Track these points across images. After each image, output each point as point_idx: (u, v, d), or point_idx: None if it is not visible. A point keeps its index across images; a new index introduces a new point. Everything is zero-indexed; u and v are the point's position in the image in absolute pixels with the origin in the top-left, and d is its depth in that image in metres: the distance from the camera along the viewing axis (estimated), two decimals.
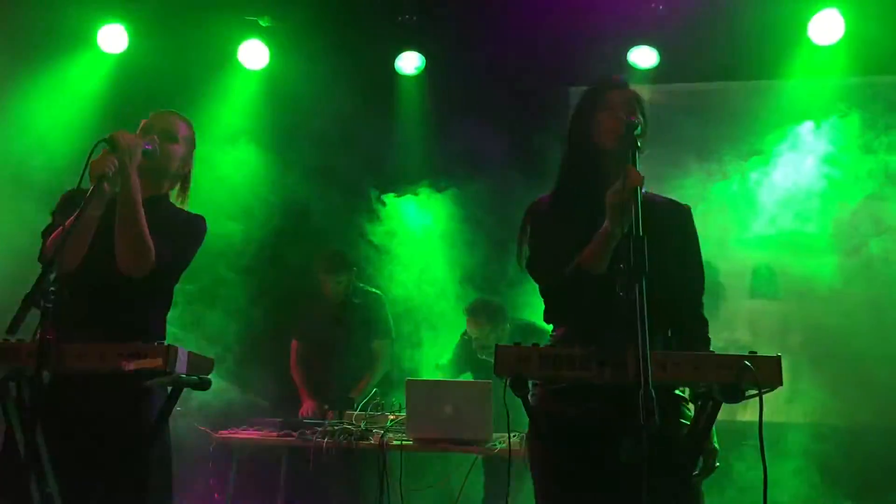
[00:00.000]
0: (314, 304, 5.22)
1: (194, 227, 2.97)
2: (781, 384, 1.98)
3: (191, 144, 3.02)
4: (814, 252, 5.11)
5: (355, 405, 4.57)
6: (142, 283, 2.77)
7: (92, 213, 2.73)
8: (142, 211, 2.73)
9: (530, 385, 2.12)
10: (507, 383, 2.08)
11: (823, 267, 5.06)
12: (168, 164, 2.90)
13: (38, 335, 2.30)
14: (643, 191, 2.47)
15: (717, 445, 2.42)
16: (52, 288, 2.33)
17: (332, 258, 5.15)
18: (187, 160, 3.01)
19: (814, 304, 5.12)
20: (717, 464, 2.40)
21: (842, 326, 4.95)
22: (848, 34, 5.10)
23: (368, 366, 5.03)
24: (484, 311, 4.84)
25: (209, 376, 2.64)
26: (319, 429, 4.25)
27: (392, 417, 4.38)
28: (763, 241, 5.27)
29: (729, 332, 5.25)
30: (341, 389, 4.91)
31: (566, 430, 2.31)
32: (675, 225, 2.53)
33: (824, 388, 4.93)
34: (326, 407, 4.80)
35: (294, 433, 4.27)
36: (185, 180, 3.07)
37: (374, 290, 5.26)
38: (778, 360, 1.98)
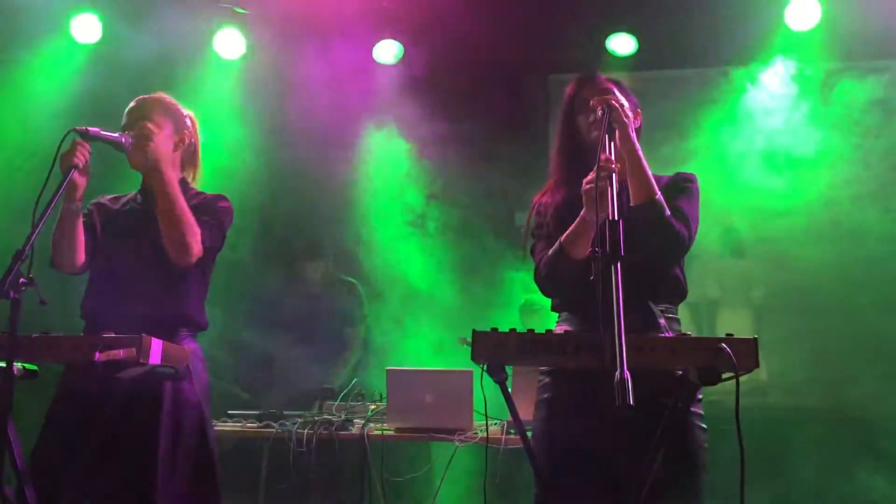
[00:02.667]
0: (292, 292, 5.24)
1: (220, 207, 2.96)
2: (758, 366, 1.98)
3: (179, 122, 2.97)
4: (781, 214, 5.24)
5: (336, 396, 4.55)
6: (180, 272, 2.79)
7: (70, 205, 2.74)
8: (181, 200, 2.75)
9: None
10: (485, 369, 2.08)
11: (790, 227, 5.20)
12: (157, 150, 2.82)
13: (9, 326, 2.28)
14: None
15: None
16: (22, 279, 2.31)
17: (310, 246, 5.21)
18: (181, 138, 2.96)
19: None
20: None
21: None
22: (824, 19, 5.11)
23: (340, 354, 5.07)
24: (531, 310, 4.93)
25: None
26: (300, 419, 4.23)
27: (373, 407, 4.37)
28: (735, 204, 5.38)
29: (700, 289, 5.42)
30: (317, 376, 4.92)
31: (565, 409, 2.39)
32: (671, 187, 2.54)
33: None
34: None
35: (274, 424, 4.24)
36: (193, 157, 3.07)
37: (349, 278, 5.32)
38: (754, 342, 1.98)
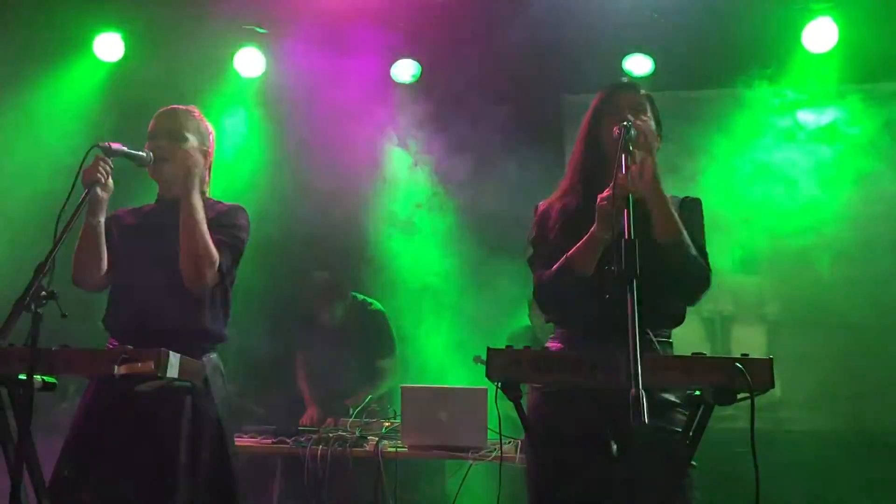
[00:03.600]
0: (316, 319, 5.16)
1: (237, 218, 2.97)
2: (773, 386, 1.97)
3: (202, 135, 3.01)
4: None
5: (351, 412, 4.55)
6: (209, 289, 2.80)
7: (91, 220, 2.77)
8: (202, 227, 2.75)
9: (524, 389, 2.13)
10: (499, 387, 2.08)
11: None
12: (182, 163, 2.88)
13: (30, 340, 2.30)
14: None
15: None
16: (43, 293, 2.34)
17: (326, 288, 5.06)
18: (204, 152, 2.99)
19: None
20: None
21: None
22: (841, 42, 5.12)
23: (370, 382, 4.99)
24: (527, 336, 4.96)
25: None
26: (314, 436, 4.24)
27: (387, 424, 4.37)
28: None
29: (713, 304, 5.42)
30: (339, 406, 4.90)
31: (558, 434, 2.31)
32: (685, 218, 2.49)
33: None
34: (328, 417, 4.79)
35: (288, 440, 4.25)
36: (208, 170, 3.07)
37: (375, 304, 5.18)
38: (769, 362, 1.98)
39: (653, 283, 1.97)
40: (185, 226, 2.75)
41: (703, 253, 2.48)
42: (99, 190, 2.70)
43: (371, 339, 5.08)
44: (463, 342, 5.19)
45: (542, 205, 2.65)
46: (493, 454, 3.95)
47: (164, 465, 2.68)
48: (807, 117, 5.41)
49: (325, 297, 5.05)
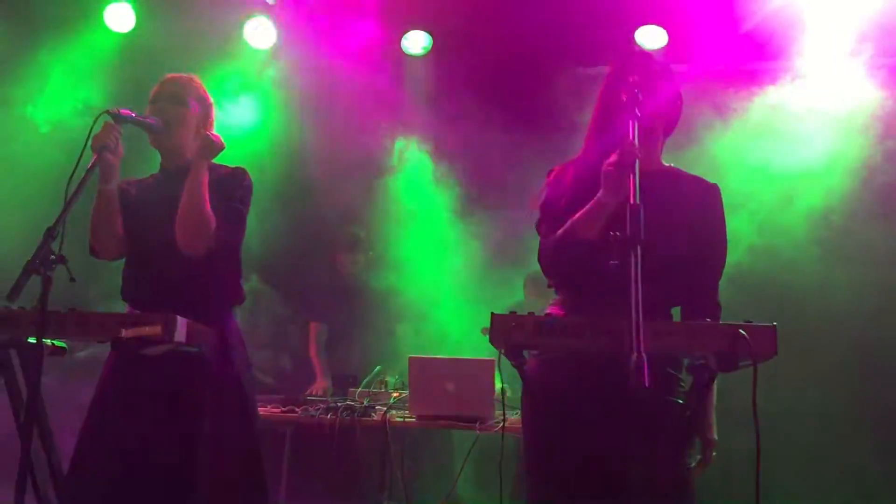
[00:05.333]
0: (330, 286, 5.25)
1: (240, 181, 2.98)
2: (776, 354, 1.97)
3: (205, 103, 3.02)
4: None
5: (359, 382, 4.58)
6: (206, 253, 2.82)
7: (104, 186, 2.79)
8: (203, 193, 2.77)
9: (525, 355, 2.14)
10: (502, 353, 2.09)
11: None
12: (184, 131, 2.91)
13: (39, 303, 2.33)
14: (667, 165, 2.50)
15: (716, 437, 2.43)
16: (53, 256, 2.36)
17: (348, 237, 5.20)
18: (206, 120, 3.01)
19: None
20: (714, 453, 2.42)
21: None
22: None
23: (383, 348, 5.06)
24: (543, 280, 4.93)
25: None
26: (323, 405, 4.27)
27: (395, 394, 4.40)
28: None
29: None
30: (353, 372, 4.95)
31: (559, 399, 2.31)
32: (697, 202, 2.48)
33: None
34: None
35: (298, 409, 4.29)
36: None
37: (391, 276, 5.28)
38: (773, 329, 1.98)
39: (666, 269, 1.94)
40: (188, 191, 2.78)
41: (720, 252, 2.46)
42: (109, 155, 2.72)
43: (384, 304, 5.15)
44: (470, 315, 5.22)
45: (555, 170, 2.63)
46: (500, 425, 3.97)
47: (186, 435, 2.71)
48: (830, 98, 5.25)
49: (349, 245, 5.20)
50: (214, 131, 3.01)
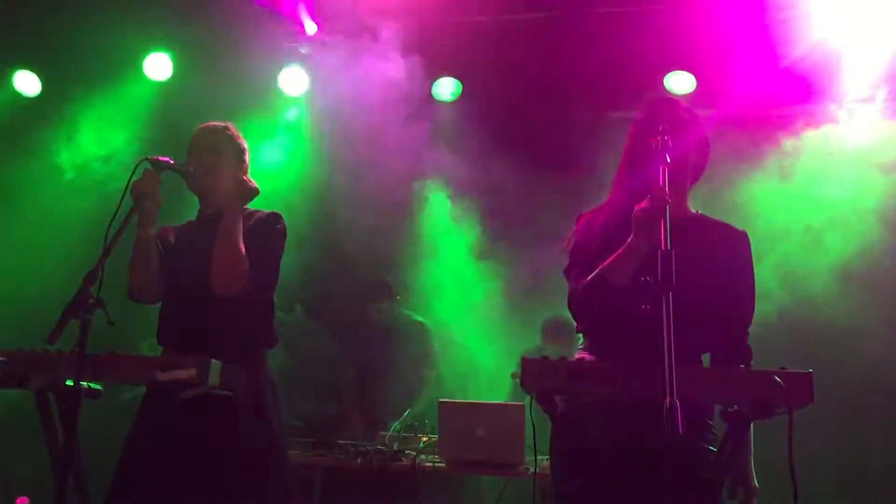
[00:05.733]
0: (360, 331, 5.29)
1: (273, 225, 3.02)
2: (813, 401, 1.95)
3: (239, 150, 3.09)
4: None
5: (389, 426, 4.58)
6: (239, 297, 2.86)
7: (142, 232, 2.85)
8: (237, 235, 2.82)
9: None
10: (534, 397, 2.08)
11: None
12: (219, 178, 2.98)
13: (77, 346, 2.37)
14: (695, 212, 2.51)
15: (756, 484, 2.40)
16: (91, 300, 2.41)
17: (375, 286, 5.25)
18: (242, 166, 3.07)
19: None
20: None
21: None
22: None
23: (415, 391, 5.07)
24: (564, 326, 4.94)
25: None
26: (353, 449, 4.26)
27: (425, 439, 4.38)
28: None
29: None
30: (384, 415, 4.95)
31: (590, 445, 2.30)
32: (725, 249, 2.48)
33: None
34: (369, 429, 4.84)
35: (327, 453, 4.28)
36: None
37: (419, 318, 5.34)
38: (809, 376, 1.96)
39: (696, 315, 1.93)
40: (222, 232, 2.83)
41: (749, 299, 2.47)
42: (147, 202, 2.78)
43: (414, 348, 5.21)
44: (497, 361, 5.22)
45: (584, 215, 2.64)
46: (531, 471, 3.93)
47: (218, 477, 2.73)
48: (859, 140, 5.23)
49: (372, 293, 5.24)
50: (249, 177, 3.07)
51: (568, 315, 5.00)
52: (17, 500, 2.67)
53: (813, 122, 5.29)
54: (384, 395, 5.04)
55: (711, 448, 2.33)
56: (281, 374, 4.16)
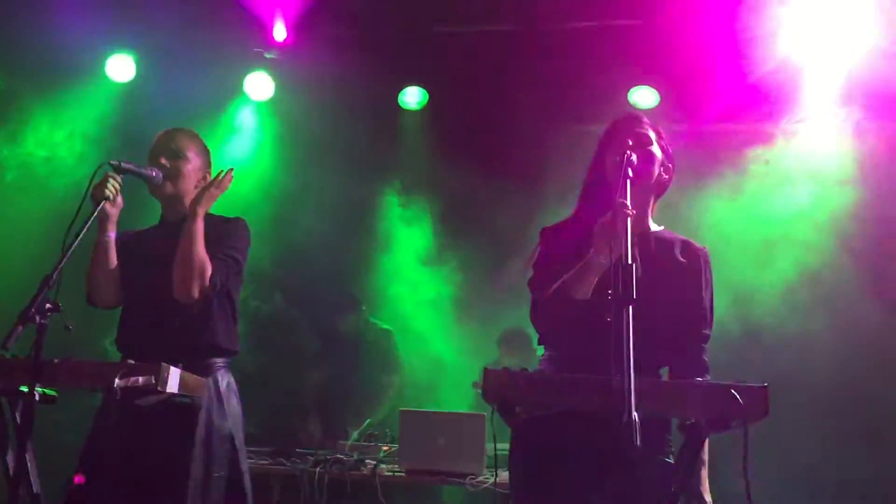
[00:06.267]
0: (328, 332, 5.31)
1: (236, 230, 3.00)
2: (768, 415, 1.98)
3: (203, 156, 3.06)
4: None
5: (349, 435, 4.56)
6: (207, 300, 2.83)
7: (102, 237, 2.82)
8: (200, 239, 2.79)
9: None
10: (494, 408, 2.09)
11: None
12: (183, 183, 2.96)
13: (33, 351, 2.33)
14: (658, 227, 2.54)
15: (709, 500, 2.42)
16: (48, 305, 2.37)
17: (340, 300, 5.27)
18: (205, 172, 3.05)
19: None
20: None
21: None
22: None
23: (376, 398, 5.08)
24: (518, 337, 4.96)
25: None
26: (311, 457, 4.24)
27: (385, 448, 4.37)
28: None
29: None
30: (343, 423, 4.94)
31: (549, 456, 2.32)
32: (686, 264, 2.51)
33: None
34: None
35: (286, 462, 4.25)
36: None
37: (384, 326, 5.36)
38: (765, 389, 1.99)
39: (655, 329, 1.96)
40: (185, 236, 2.80)
41: (707, 313, 2.51)
42: (108, 206, 2.75)
43: (379, 355, 5.24)
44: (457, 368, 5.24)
45: (547, 230, 2.66)
46: (490, 481, 3.94)
47: (175, 483, 2.69)
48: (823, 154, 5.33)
49: (339, 306, 5.29)
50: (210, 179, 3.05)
51: (524, 326, 5.10)
52: (75, 478, 2.61)
53: (771, 137, 5.39)
54: (347, 403, 5.03)
55: (668, 460, 2.36)
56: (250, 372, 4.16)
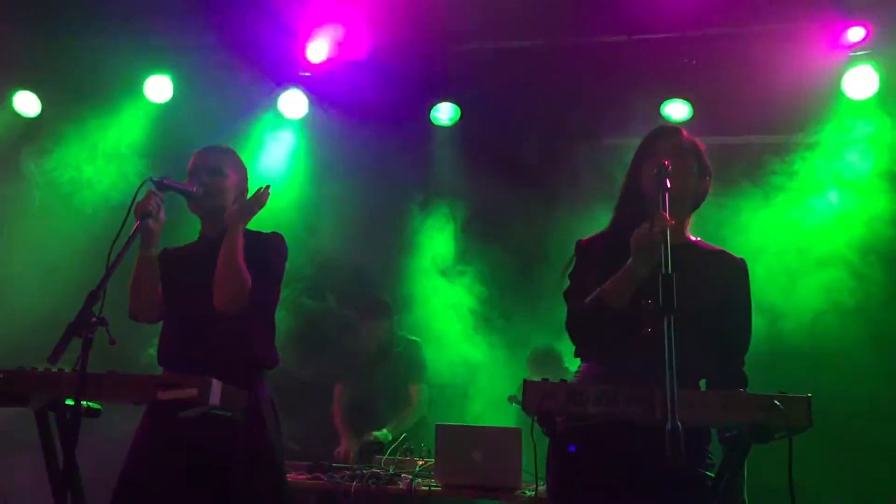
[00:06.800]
0: (357, 351, 5.33)
1: (273, 245, 3.05)
2: (811, 425, 1.96)
3: (241, 172, 3.12)
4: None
5: (385, 450, 4.56)
6: (246, 315, 2.87)
7: (145, 252, 2.87)
8: (240, 258, 2.84)
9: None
10: (535, 419, 2.09)
11: None
12: (223, 199, 3.01)
13: (79, 365, 2.37)
14: (694, 238, 2.55)
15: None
16: (94, 319, 2.41)
17: (373, 305, 5.30)
18: (242, 188, 3.10)
19: None
20: None
21: None
22: (883, 87, 5.11)
23: (403, 407, 5.09)
24: (550, 357, 4.95)
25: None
26: (348, 472, 4.25)
27: (421, 462, 4.37)
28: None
29: None
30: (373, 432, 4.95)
31: (588, 468, 2.31)
32: (723, 276, 2.52)
33: None
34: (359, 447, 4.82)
35: (323, 476, 4.27)
36: None
37: (413, 337, 5.38)
38: (808, 400, 1.97)
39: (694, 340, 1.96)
40: (225, 250, 2.84)
41: (746, 325, 2.51)
42: (151, 222, 2.80)
43: (405, 364, 5.23)
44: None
45: (583, 241, 2.67)
46: (527, 495, 3.93)
47: (217, 496, 2.72)
48: (850, 166, 5.30)
49: (371, 313, 5.26)
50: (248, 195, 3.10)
51: (552, 345, 5.08)
52: None
53: (802, 148, 5.36)
54: (378, 417, 5.03)
55: (708, 473, 2.34)
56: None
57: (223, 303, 2.82)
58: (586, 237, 2.68)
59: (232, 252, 2.84)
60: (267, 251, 3.02)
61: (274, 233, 3.11)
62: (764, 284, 4.73)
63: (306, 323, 5.60)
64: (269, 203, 3.07)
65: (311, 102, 5.78)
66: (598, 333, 2.42)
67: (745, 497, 2.42)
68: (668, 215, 2.17)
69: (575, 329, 2.51)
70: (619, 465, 2.25)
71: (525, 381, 2.10)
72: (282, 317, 3.19)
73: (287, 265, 3.10)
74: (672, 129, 2.64)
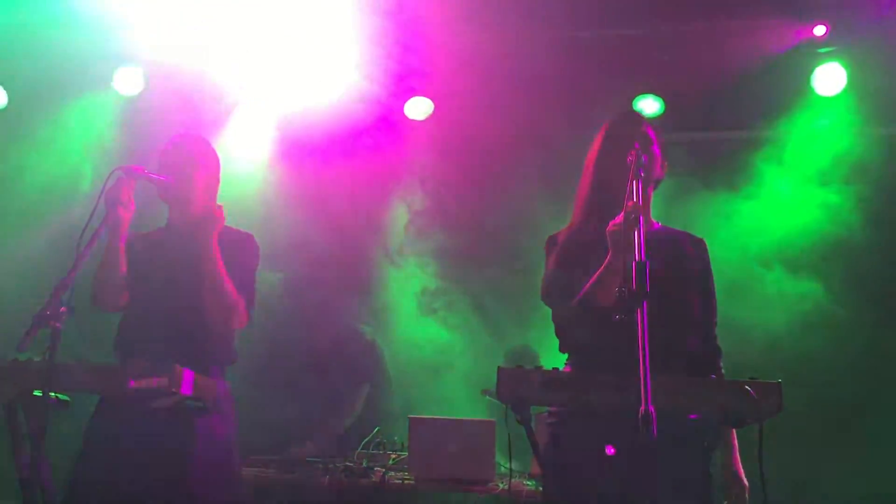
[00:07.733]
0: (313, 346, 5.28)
1: (248, 250, 3.06)
2: (782, 410, 1.99)
3: (212, 161, 3.09)
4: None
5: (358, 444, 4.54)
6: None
7: (114, 240, 2.84)
8: (224, 279, 2.84)
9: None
10: (509, 407, 2.10)
11: None
12: (193, 188, 2.99)
13: (47, 354, 2.34)
14: (659, 225, 2.58)
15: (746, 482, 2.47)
16: (62, 308, 2.38)
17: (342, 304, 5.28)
18: (214, 176, 3.10)
19: None
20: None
21: None
22: (850, 85, 5.19)
23: (346, 406, 5.08)
24: (525, 358, 4.97)
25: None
26: (321, 466, 4.23)
27: (394, 456, 4.36)
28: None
29: None
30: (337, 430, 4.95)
31: (570, 460, 2.34)
32: (691, 256, 2.63)
33: None
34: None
35: (294, 470, 4.24)
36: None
37: (368, 333, 5.35)
38: (778, 386, 2.00)
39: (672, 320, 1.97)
40: (209, 278, 2.83)
41: (714, 300, 2.62)
42: (121, 209, 2.77)
43: (358, 363, 5.20)
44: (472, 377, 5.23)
45: (555, 236, 2.68)
46: (501, 487, 3.93)
47: (174, 487, 2.70)
48: (817, 160, 5.38)
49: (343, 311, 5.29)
50: (220, 189, 3.08)
51: (529, 345, 5.09)
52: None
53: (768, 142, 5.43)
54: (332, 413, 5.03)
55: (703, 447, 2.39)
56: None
57: (221, 328, 2.87)
58: (556, 233, 2.69)
59: (217, 279, 2.83)
60: (240, 254, 3.02)
61: (247, 234, 3.11)
62: (735, 273, 4.82)
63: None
64: (241, 193, 3.06)
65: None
66: (586, 331, 2.44)
67: (741, 469, 2.46)
68: (641, 202, 2.18)
69: (565, 330, 2.56)
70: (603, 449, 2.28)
71: (500, 368, 2.11)
72: None
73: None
74: (636, 117, 2.71)
